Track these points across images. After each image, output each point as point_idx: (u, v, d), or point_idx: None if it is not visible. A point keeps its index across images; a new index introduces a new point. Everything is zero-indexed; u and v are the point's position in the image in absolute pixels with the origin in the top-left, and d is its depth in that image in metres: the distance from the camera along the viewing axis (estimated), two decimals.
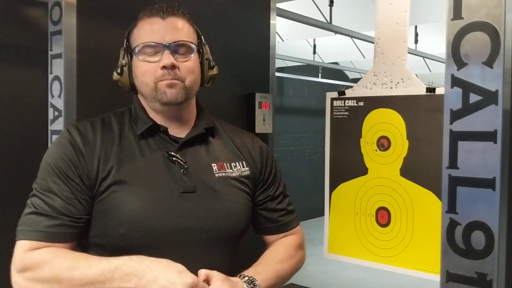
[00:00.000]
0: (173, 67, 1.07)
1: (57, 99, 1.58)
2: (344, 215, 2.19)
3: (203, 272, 1.00)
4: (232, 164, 1.17)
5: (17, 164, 1.75)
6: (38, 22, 1.77)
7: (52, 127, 1.59)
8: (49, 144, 1.60)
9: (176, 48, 1.09)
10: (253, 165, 1.21)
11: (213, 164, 1.15)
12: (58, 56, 1.56)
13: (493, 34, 0.83)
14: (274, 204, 1.24)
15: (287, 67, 6.89)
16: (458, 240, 0.85)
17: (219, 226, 1.11)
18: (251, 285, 1.05)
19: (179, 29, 1.11)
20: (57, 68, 1.57)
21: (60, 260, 0.99)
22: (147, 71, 1.09)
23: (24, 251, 1.01)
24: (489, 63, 0.83)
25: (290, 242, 1.24)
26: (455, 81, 0.87)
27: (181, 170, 1.10)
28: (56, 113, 1.58)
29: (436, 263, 1.94)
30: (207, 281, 0.99)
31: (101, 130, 1.11)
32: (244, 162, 1.20)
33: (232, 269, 1.10)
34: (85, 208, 1.05)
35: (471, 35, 0.85)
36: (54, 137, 1.58)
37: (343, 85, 6.97)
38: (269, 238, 1.26)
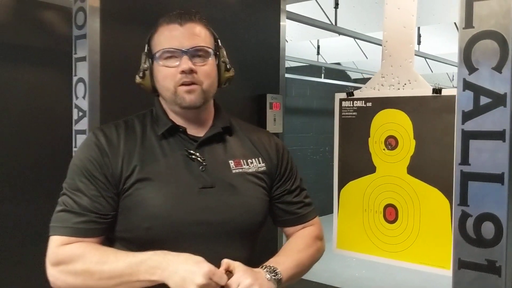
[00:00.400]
0: (191, 71, 1.14)
1: (81, 100, 1.65)
2: (352, 212, 2.26)
3: (225, 261, 1.07)
4: (249, 160, 1.24)
5: (44, 162, 1.83)
6: (62, 27, 1.85)
7: (76, 127, 1.66)
8: (74, 143, 1.67)
9: (194, 53, 1.15)
10: (269, 161, 1.28)
11: (230, 161, 1.21)
12: (83, 59, 1.64)
13: (502, 41, 0.90)
14: (291, 197, 1.32)
15: (290, 67, 6.95)
16: (469, 231, 0.92)
17: (237, 220, 1.17)
18: (273, 274, 1.12)
19: (197, 34, 1.17)
20: (82, 70, 1.64)
21: (91, 254, 1.07)
22: (167, 76, 1.15)
23: (57, 246, 1.08)
24: (498, 68, 0.91)
25: (308, 233, 1.32)
26: (467, 85, 0.94)
27: (200, 167, 1.17)
28: (81, 114, 1.65)
29: (441, 258, 2.01)
30: (230, 270, 1.06)
31: (125, 132, 1.18)
32: (260, 158, 1.27)
33: (250, 262, 1.16)
34: (111, 205, 1.12)
35: (481, 42, 0.93)
36: (79, 136, 1.65)
37: (345, 86, 7.03)
38: (288, 230, 1.33)
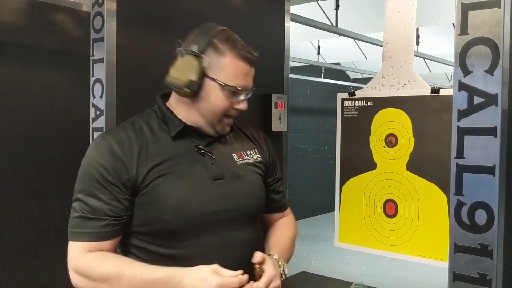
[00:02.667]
0: None
1: (98, 99, 1.73)
2: (353, 207, 2.35)
3: (259, 254, 1.19)
4: (248, 152, 1.37)
5: (63, 159, 1.91)
6: (75, 29, 1.94)
7: (94, 125, 1.75)
8: (91, 141, 1.76)
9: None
10: (262, 152, 1.42)
11: (233, 154, 1.33)
12: (100, 60, 1.72)
13: (494, 47, 1.00)
14: (278, 186, 1.46)
15: (290, 67, 7.00)
16: (464, 218, 1.02)
17: (245, 206, 1.30)
18: (281, 270, 1.25)
19: (253, 77, 1.29)
20: (99, 71, 1.73)
21: (109, 267, 1.13)
22: (224, 106, 1.24)
23: (77, 253, 1.16)
24: (490, 71, 1.00)
25: (292, 222, 1.50)
26: (462, 86, 1.04)
27: (210, 161, 1.27)
28: (98, 112, 1.73)
29: (439, 250, 2.10)
30: (263, 262, 1.17)
31: (134, 133, 1.23)
32: (256, 150, 1.40)
33: (258, 239, 1.33)
34: (126, 206, 1.19)
35: (475, 48, 1.02)
36: (96, 134, 1.74)
37: (345, 85, 7.12)
38: (271, 216, 1.47)
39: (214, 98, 1.23)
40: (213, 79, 1.22)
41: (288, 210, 1.52)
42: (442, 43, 5.77)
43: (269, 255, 1.26)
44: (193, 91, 1.22)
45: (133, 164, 1.19)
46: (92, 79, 1.75)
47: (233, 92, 1.23)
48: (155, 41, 1.85)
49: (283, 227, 1.45)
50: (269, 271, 1.15)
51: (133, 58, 1.78)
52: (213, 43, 1.22)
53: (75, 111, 1.96)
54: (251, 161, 1.35)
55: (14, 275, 1.81)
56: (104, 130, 1.71)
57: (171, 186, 1.20)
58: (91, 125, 1.76)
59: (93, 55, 1.75)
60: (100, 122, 1.72)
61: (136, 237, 1.23)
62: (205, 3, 2.06)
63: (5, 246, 1.79)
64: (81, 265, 1.15)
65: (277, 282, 1.15)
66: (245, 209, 1.29)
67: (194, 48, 1.21)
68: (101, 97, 1.72)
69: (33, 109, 1.86)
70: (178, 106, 1.29)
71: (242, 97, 1.25)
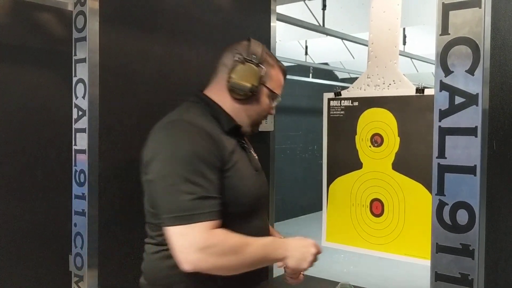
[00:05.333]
0: None
1: (81, 99, 1.71)
2: (340, 206, 2.35)
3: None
4: (253, 150, 1.58)
5: (46, 160, 1.89)
6: (58, 28, 1.91)
7: (76, 125, 1.72)
8: (74, 141, 1.72)
9: None
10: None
11: (251, 150, 1.55)
12: (82, 60, 1.70)
13: (475, 47, 1.00)
14: None
15: None
16: (445, 217, 1.02)
17: (268, 195, 1.60)
18: None
19: None
20: (81, 71, 1.70)
21: (236, 238, 1.27)
22: (267, 110, 1.52)
23: (203, 232, 1.22)
24: (471, 71, 1.01)
25: None
26: (443, 86, 1.04)
27: (248, 155, 1.49)
28: (80, 113, 1.71)
29: (426, 249, 2.10)
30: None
31: (206, 120, 1.38)
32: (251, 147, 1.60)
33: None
34: (220, 187, 1.31)
35: (456, 48, 1.02)
36: (79, 134, 1.71)
37: (333, 85, 7.13)
38: None
39: (263, 102, 1.49)
40: (266, 86, 1.47)
41: None
42: (429, 43, 5.81)
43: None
44: (251, 95, 1.43)
45: (220, 149, 1.32)
46: (74, 79, 1.72)
47: (273, 98, 1.51)
48: (139, 41, 1.83)
49: None
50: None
51: (116, 57, 1.76)
52: (264, 56, 1.47)
53: (59, 111, 1.93)
54: (256, 156, 1.57)
55: None
56: (87, 131, 1.68)
57: (242, 174, 1.38)
58: (73, 126, 1.73)
59: (75, 54, 1.72)
60: (83, 123, 1.70)
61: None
62: (189, 1, 2.04)
63: None
64: (211, 242, 1.22)
65: None
66: (268, 198, 1.62)
67: (254, 59, 1.43)
68: (83, 97, 1.70)
69: (16, 109, 1.83)
70: (226, 105, 1.45)
71: (274, 104, 1.53)
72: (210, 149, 1.28)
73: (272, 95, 1.49)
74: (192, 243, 1.20)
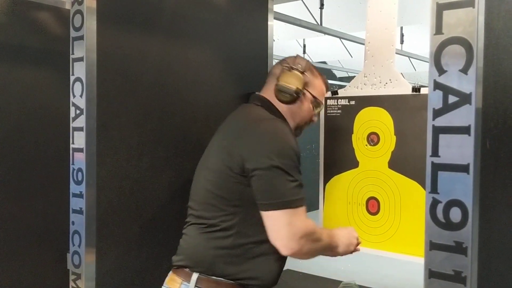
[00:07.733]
0: None
1: (78, 98, 1.71)
2: (337, 205, 2.36)
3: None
4: None
5: (44, 159, 1.89)
6: (56, 27, 1.92)
7: (74, 124, 1.73)
8: (71, 140, 1.73)
9: None
10: None
11: None
12: (80, 59, 1.70)
13: (468, 47, 1.01)
14: None
15: None
16: (439, 215, 1.03)
17: None
18: None
19: None
20: (79, 70, 1.70)
21: (315, 226, 1.47)
22: (310, 116, 1.74)
23: (305, 219, 1.42)
24: (465, 70, 1.02)
25: None
26: (437, 85, 1.05)
27: None
28: (78, 112, 1.71)
29: (422, 247, 2.11)
30: None
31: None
32: None
33: None
34: None
35: (450, 47, 1.03)
36: (76, 133, 1.72)
37: (331, 84, 7.14)
38: None
39: (306, 107, 1.69)
40: (310, 92, 1.68)
41: None
42: (426, 42, 5.81)
43: None
44: (296, 97, 1.62)
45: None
46: (72, 78, 1.73)
47: (316, 106, 1.71)
48: (137, 39, 1.83)
49: None
50: None
51: (114, 56, 1.76)
52: (310, 66, 1.70)
53: (56, 109, 1.94)
54: None
55: None
56: (84, 129, 1.69)
57: None
58: (71, 124, 1.74)
59: (73, 53, 1.73)
60: (80, 122, 1.70)
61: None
62: (186, 1, 2.04)
63: None
64: (309, 227, 1.43)
65: None
66: None
67: (299, 67, 1.65)
68: (81, 96, 1.70)
69: (14, 108, 1.84)
70: (280, 110, 1.65)
71: (317, 111, 1.73)
72: (297, 146, 1.49)
73: (315, 102, 1.69)
74: (299, 228, 1.38)
